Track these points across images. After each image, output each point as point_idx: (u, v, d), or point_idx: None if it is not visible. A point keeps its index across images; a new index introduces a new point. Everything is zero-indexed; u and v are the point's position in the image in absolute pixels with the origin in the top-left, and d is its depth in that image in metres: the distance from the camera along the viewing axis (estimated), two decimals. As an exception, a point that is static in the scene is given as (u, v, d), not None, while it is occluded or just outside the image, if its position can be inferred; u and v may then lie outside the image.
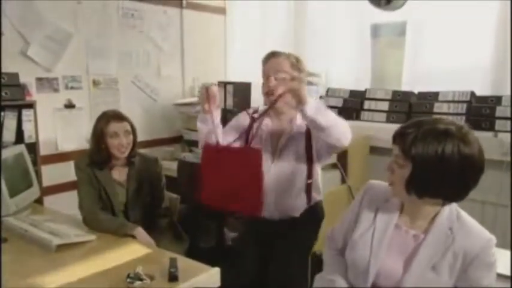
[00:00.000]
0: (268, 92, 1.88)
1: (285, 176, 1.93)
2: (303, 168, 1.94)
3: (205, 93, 1.79)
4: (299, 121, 1.95)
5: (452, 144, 1.16)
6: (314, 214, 2.04)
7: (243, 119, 2.04)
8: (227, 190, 1.78)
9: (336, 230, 1.53)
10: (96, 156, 2.10)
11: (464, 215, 1.29)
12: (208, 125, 1.83)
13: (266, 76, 1.90)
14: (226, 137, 1.93)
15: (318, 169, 2.01)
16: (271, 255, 2.00)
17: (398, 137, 1.24)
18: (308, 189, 1.97)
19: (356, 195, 1.51)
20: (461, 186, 1.20)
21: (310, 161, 1.94)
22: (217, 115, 1.84)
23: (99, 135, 2.09)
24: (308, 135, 1.92)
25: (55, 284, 1.50)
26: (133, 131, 2.14)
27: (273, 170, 1.93)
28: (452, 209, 1.28)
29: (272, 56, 1.93)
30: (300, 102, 1.61)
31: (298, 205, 1.97)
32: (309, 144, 1.93)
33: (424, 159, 1.17)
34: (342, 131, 1.73)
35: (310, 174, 1.95)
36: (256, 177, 1.76)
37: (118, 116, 2.12)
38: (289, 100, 1.70)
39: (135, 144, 2.15)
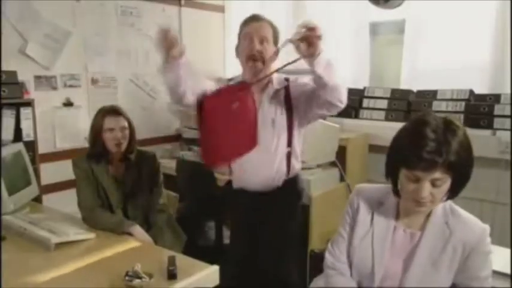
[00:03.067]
0: (253, 56, 1.77)
1: (264, 144, 1.80)
2: (283, 135, 1.86)
3: (166, 37, 1.61)
4: (276, 85, 1.86)
5: (464, 135, 1.17)
6: (294, 190, 1.98)
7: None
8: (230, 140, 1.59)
9: (337, 243, 1.44)
10: (94, 150, 2.10)
11: (457, 208, 1.30)
12: (176, 73, 1.69)
13: (248, 38, 1.78)
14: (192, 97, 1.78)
15: (298, 137, 1.91)
16: (260, 241, 1.97)
17: (428, 166, 1.14)
18: (288, 157, 1.90)
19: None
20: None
21: (290, 128, 1.86)
22: (184, 62, 1.69)
23: (96, 129, 2.09)
24: (288, 99, 1.84)
25: (54, 282, 1.50)
26: (131, 126, 2.13)
27: None
28: (445, 203, 1.29)
29: (254, 19, 1.83)
30: (312, 52, 1.50)
31: (279, 174, 1.90)
32: (289, 110, 1.85)
33: (460, 164, 1.16)
34: (343, 91, 1.69)
35: (289, 142, 1.88)
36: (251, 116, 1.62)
37: (115, 111, 2.11)
38: (302, 48, 1.51)
39: (132, 140, 2.14)
